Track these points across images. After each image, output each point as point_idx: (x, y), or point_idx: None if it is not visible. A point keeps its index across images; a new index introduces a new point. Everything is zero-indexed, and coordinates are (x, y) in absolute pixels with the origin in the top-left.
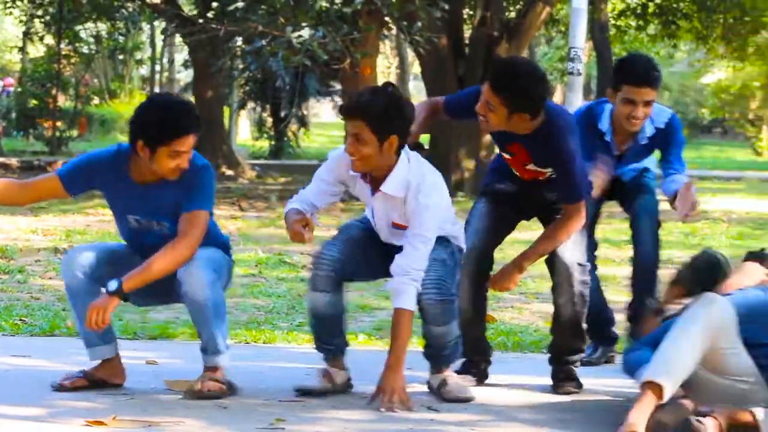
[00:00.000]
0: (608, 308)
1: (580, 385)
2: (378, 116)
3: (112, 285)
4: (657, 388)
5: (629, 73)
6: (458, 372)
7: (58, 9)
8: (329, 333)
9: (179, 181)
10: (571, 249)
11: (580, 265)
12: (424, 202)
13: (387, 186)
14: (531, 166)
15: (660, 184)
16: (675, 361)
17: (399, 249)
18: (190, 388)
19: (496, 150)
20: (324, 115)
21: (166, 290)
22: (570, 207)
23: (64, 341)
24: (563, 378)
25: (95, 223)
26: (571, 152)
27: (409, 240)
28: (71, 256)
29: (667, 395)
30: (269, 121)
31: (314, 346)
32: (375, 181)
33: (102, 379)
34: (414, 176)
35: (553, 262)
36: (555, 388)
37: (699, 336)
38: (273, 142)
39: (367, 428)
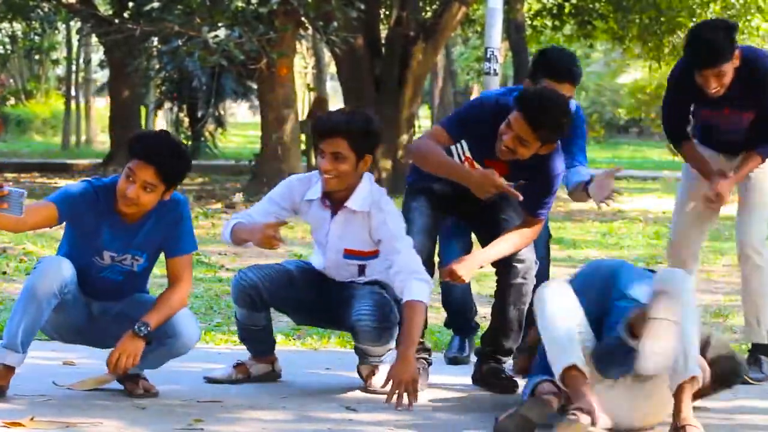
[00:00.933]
0: (473, 302)
1: (508, 385)
2: (359, 135)
3: (141, 329)
4: (574, 370)
5: (552, 68)
6: None
7: None
8: (255, 339)
9: (160, 218)
10: (530, 251)
11: (535, 263)
12: (387, 209)
13: (353, 202)
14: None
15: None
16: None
17: (341, 293)
18: (98, 383)
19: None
20: (241, 115)
21: (98, 335)
22: (536, 220)
23: None
24: (491, 376)
25: None
26: (559, 174)
27: (392, 250)
28: (53, 265)
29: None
30: (186, 121)
31: (238, 336)
32: (335, 201)
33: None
34: (375, 193)
35: (508, 262)
36: (481, 385)
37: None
38: (190, 142)
39: (286, 428)
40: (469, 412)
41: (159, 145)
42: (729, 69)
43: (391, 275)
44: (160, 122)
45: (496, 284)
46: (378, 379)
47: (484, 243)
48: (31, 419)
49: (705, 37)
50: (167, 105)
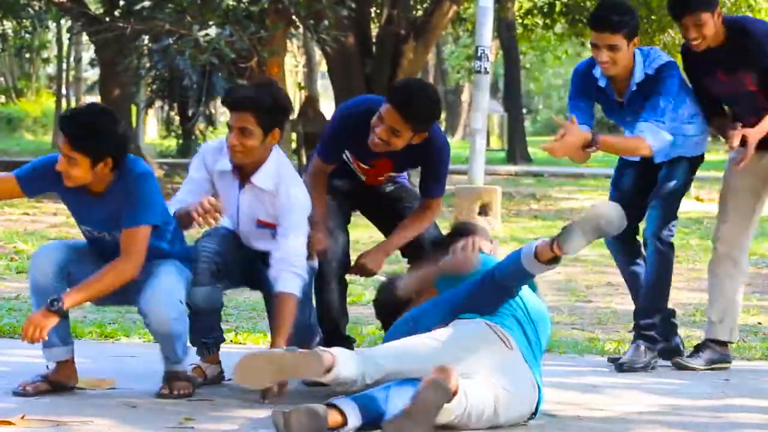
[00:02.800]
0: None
1: None
2: (266, 110)
3: (54, 304)
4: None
5: (591, 17)
6: None
7: None
8: (207, 327)
9: (123, 190)
10: (436, 231)
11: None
12: (294, 198)
13: (258, 178)
14: (386, 175)
15: None
16: None
17: (260, 255)
18: (90, 385)
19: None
20: None
21: (122, 293)
22: (433, 201)
23: None
24: None
25: (2, 223)
26: (444, 147)
27: (283, 233)
28: (40, 254)
29: None
30: (177, 119)
31: (189, 341)
32: (244, 175)
33: (60, 382)
34: (282, 169)
35: (420, 245)
36: None
37: None
38: (180, 141)
39: None
40: None
41: (72, 115)
42: (708, 21)
43: (271, 258)
44: (151, 121)
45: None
46: None
47: (387, 233)
48: (22, 417)
49: None
50: (158, 103)
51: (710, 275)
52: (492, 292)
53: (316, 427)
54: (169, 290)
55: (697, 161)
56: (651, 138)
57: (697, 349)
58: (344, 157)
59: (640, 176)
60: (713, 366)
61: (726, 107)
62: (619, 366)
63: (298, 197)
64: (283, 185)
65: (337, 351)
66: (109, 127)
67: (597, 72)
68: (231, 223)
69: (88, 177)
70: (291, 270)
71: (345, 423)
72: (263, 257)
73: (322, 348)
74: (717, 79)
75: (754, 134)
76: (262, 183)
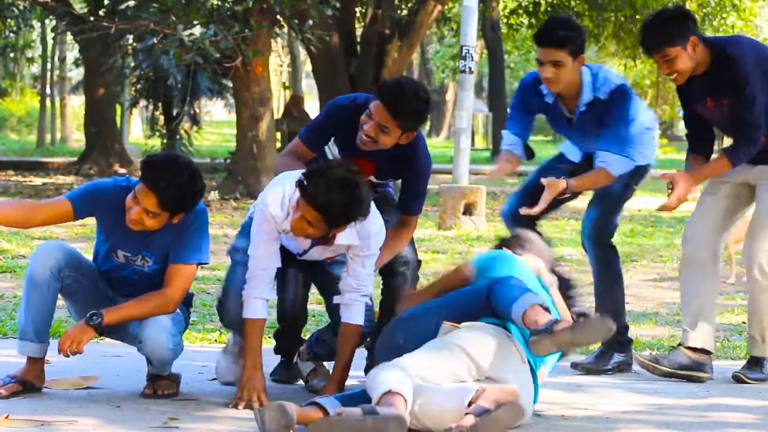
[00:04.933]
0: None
1: None
2: (335, 217)
3: (94, 318)
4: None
5: (537, 33)
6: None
7: None
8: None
9: (177, 223)
10: (410, 248)
11: (417, 263)
12: (370, 230)
13: (342, 239)
14: (370, 180)
15: None
16: None
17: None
18: (73, 385)
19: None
20: (216, 113)
21: (121, 331)
22: (411, 218)
23: None
24: None
25: None
26: (427, 167)
27: (357, 261)
28: (46, 248)
29: None
30: (161, 119)
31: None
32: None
33: (30, 382)
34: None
35: (391, 264)
36: None
37: None
38: (165, 141)
39: None
40: None
41: (164, 172)
42: (680, 54)
43: (345, 280)
44: (136, 120)
45: (381, 287)
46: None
47: None
48: (6, 417)
49: (648, 22)
50: (142, 103)
51: (681, 277)
52: (485, 310)
53: (285, 421)
54: (169, 321)
55: (641, 170)
56: (615, 168)
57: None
58: (327, 151)
59: (570, 174)
60: (682, 372)
61: (719, 132)
62: (575, 365)
63: (379, 235)
64: (364, 233)
65: (404, 390)
66: (196, 187)
67: (544, 88)
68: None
69: (157, 227)
70: (362, 301)
71: (326, 415)
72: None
73: (393, 394)
74: (706, 106)
75: (692, 181)
76: (347, 240)
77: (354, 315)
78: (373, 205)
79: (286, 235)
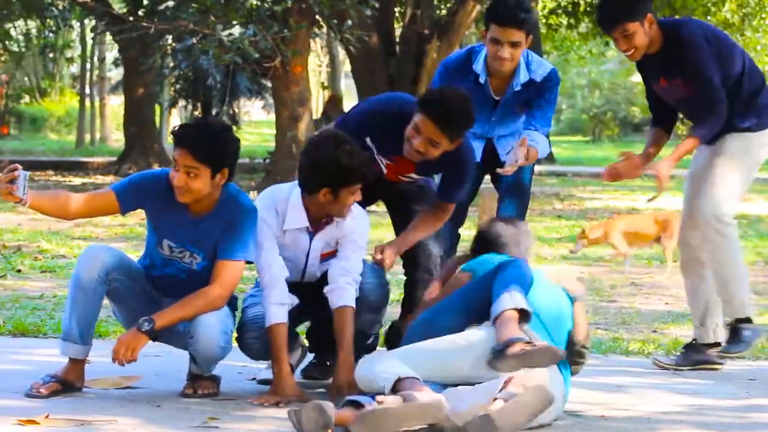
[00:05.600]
0: None
1: None
2: (336, 175)
3: (145, 324)
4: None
5: (496, 13)
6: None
7: None
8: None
9: (225, 217)
10: (436, 243)
11: (443, 260)
12: (358, 218)
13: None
14: (409, 176)
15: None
16: None
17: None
18: (114, 384)
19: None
20: (255, 113)
21: (167, 333)
22: (447, 205)
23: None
24: None
25: (27, 222)
26: (471, 160)
27: (347, 246)
28: (94, 251)
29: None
30: None
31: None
32: (314, 222)
33: (71, 382)
34: None
35: (416, 257)
36: None
37: None
38: None
39: None
40: None
41: (191, 128)
42: (637, 30)
43: (335, 266)
44: (175, 120)
45: (405, 279)
46: None
47: (397, 230)
48: (46, 417)
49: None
50: (181, 103)
51: (684, 278)
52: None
53: (323, 421)
54: (220, 319)
55: (541, 160)
56: (541, 149)
57: (684, 349)
58: (368, 144)
59: (477, 179)
60: (697, 367)
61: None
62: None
63: (364, 220)
64: (354, 214)
65: (412, 373)
66: (228, 137)
67: (478, 67)
68: (291, 268)
69: (207, 189)
70: (352, 285)
71: None
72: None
73: (407, 379)
74: (659, 85)
75: (668, 166)
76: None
77: (346, 298)
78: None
79: (285, 245)
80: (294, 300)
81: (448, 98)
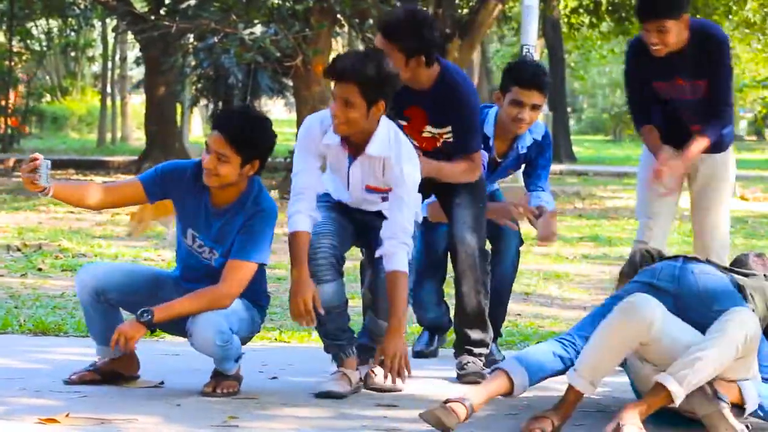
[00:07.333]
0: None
1: (484, 377)
2: (370, 81)
3: (144, 315)
4: (576, 391)
5: (519, 75)
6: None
7: (9, 5)
8: (338, 329)
9: (245, 215)
10: (475, 237)
11: (482, 252)
12: (407, 176)
13: (372, 148)
14: (428, 130)
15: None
16: (593, 368)
17: (369, 214)
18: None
19: None
20: (276, 112)
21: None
22: (473, 155)
23: (16, 339)
24: (470, 371)
25: (47, 221)
26: (474, 104)
27: (394, 204)
28: (81, 275)
29: (587, 394)
30: None
31: (323, 347)
32: (354, 146)
33: (115, 371)
34: (395, 140)
35: (456, 251)
36: (461, 379)
37: (618, 343)
38: None
39: (321, 425)
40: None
41: (230, 114)
42: (673, 28)
43: (384, 227)
44: (196, 119)
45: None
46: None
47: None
48: (67, 415)
49: None
50: (203, 102)
51: None
52: None
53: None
54: (220, 317)
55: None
56: (552, 206)
57: None
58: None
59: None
60: None
61: (668, 111)
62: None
63: (412, 175)
64: (396, 158)
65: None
66: (265, 129)
67: (489, 129)
68: (338, 191)
69: (234, 177)
70: (402, 247)
71: (511, 390)
72: (374, 217)
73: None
74: (674, 84)
75: (681, 166)
76: (377, 151)
77: (397, 262)
78: (410, 146)
79: (328, 161)
80: (317, 215)
81: (395, 11)
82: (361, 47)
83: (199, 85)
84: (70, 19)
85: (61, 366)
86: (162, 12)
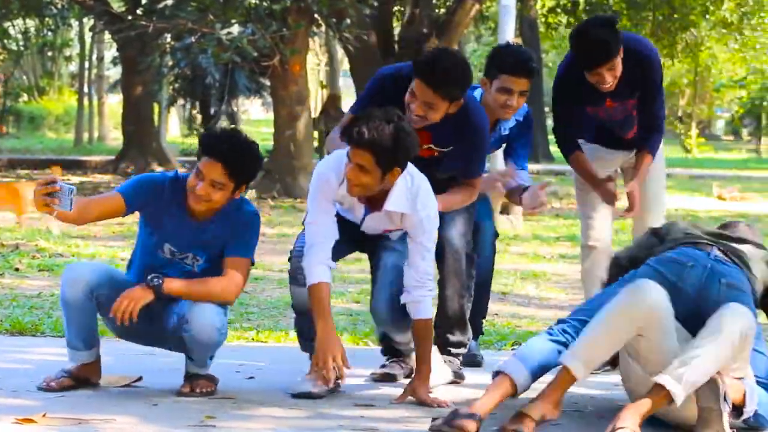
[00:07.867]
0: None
1: (462, 377)
2: (386, 152)
3: (155, 280)
4: (569, 372)
5: (507, 63)
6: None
7: None
8: (313, 328)
9: (230, 221)
10: (463, 240)
11: (468, 257)
12: (425, 213)
13: (391, 204)
14: (429, 147)
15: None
16: (590, 349)
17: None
18: (119, 383)
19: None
20: (253, 111)
21: (157, 334)
22: (473, 180)
23: None
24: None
25: (23, 220)
26: (485, 137)
27: (416, 252)
28: (76, 271)
29: (579, 378)
30: (199, 118)
31: (300, 347)
32: (372, 201)
33: (85, 377)
34: (411, 186)
35: (444, 252)
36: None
37: (619, 326)
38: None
39: (298, 425)
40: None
41: (227, 142)
42: (619, 62)
43: (408, 275)
44: (173, 119)
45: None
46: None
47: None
48: (44, 415)
49: (595, 36)
50: (180, 102)
51: (589, 279)
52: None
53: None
54: (215, 308)
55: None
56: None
57: None
58: None
59: None
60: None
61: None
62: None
63: (432, 220)
64: (414, 209)
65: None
66: (257, 156)
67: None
68: (347, 214)
69: (225, 201)
70: (429, 295)
71: (515, 392)
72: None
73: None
74: (604, 107)
75: (637, 188)
76: (395, 207)
77: (424, 310)
78: (429, 188)
79: (342, 206)
80: (333, 264)
81: (438, 57)
82: (338, 47)
83: (177, 85)
84: (47, 18)
85: (38, 366)
86: (139, 12)
